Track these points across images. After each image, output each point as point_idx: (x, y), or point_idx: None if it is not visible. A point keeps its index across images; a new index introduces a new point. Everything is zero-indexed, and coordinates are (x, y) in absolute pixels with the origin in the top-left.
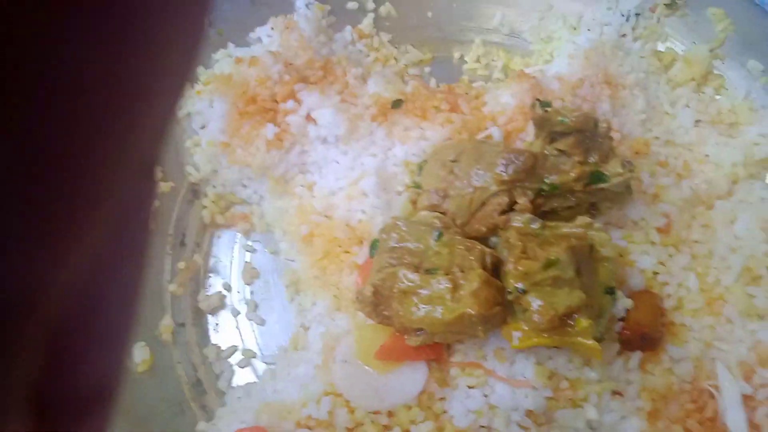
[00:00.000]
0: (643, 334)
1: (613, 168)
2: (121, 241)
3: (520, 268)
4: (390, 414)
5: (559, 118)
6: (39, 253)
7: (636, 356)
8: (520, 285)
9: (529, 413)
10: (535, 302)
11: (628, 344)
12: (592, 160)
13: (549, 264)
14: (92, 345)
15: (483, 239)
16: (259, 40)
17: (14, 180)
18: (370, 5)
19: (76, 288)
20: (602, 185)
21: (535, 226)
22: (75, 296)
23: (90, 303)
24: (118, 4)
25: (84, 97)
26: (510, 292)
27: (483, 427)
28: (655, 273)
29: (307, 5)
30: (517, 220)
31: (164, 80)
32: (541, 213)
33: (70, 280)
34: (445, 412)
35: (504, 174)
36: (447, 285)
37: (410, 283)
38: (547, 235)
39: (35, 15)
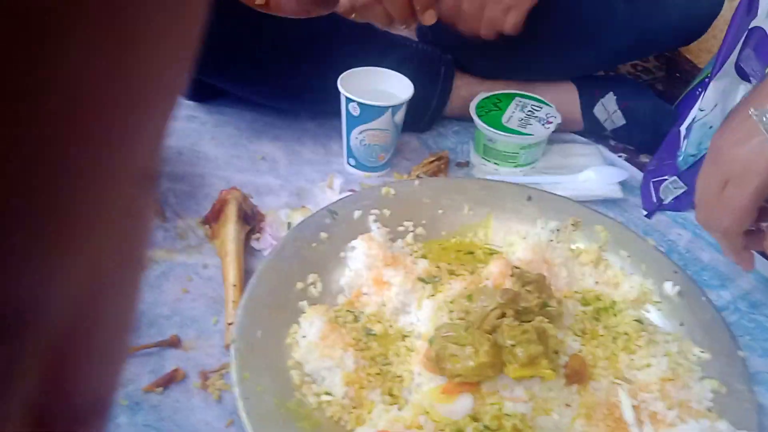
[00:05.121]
0: (576, 373)
1: (551, 302)
2: (120, 254)
3: (510, 335)
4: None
5: (525, 275)
6: (36, 267)
7: (574, 386)
8: (510, 342)
9: (522, 416)
10: (519, 351)
11: (569, 378)
12: (543, 296)
13: (523, 332)
14: (90, 359)
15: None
16: None
17: (8, 191)
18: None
19: (75, 302)
20: (548, 308)
21: (515, 323)
22: (73, 310)
23: (88, 317)
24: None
25: (79, 103)
26: (506, 347)
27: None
28: (579, 351)
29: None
30: (506, 322)
31: (162, 85)
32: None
33: (68, 294)
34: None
35: (500, 299)
36: (472, 350)
37: (454, 351)
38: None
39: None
